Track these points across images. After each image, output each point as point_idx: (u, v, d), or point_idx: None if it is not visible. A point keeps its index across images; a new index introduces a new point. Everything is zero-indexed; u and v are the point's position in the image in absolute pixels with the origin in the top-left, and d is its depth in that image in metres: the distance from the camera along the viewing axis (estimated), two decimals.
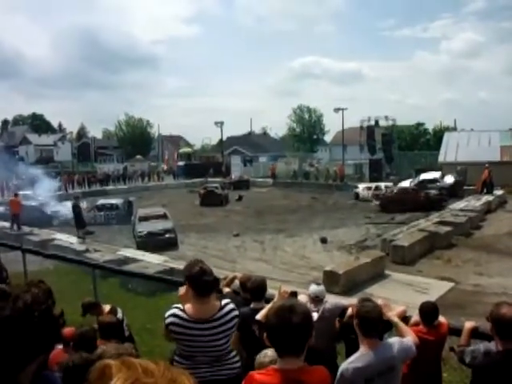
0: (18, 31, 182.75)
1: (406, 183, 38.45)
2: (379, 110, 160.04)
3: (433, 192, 33.08)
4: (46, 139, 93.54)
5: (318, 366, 2.96)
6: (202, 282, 3.83)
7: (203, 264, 3.97)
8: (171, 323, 3.89)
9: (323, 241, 22.48)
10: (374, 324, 3.80)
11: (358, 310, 3.96)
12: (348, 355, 5.13)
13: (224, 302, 4.06)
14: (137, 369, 1.07)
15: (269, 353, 3.39)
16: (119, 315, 6.35)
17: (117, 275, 12.58)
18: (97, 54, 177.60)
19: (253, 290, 5.29)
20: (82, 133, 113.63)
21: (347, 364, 3.70)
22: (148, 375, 1.06)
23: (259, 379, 2.82)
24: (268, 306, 4.26)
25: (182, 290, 4.13)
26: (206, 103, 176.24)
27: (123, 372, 1.06)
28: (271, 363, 3.05)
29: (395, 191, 33.59)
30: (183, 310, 3.91)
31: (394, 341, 3.99)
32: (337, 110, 53.41)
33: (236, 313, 4.02)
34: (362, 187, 38.99)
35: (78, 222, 23.08)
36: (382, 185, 37.82)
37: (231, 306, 4.05)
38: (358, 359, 3.69)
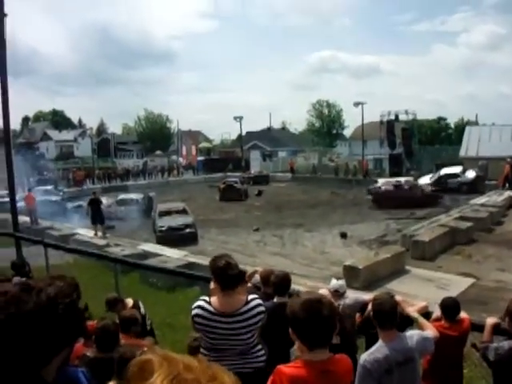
0: (36, 28, 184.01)
1: (426, 178, 38.17)
2: (398, 104, 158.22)
3: (428, 188, 32.96)
4: (67, 135, 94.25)
5: (341, 354, 2.97)
6: (226, 275, 3.85)
7: (229, 258, 3.99)
8: (196, 315, 3.93)
9: (343, 236, 22.43)
10: (388, 316, 3.83)
11: (373, 303, 4.00)
12: (368, 349, 5.13)
13: (251, 296, 4.07)
14: (178, 364, 1.07)
15: None
16: (142, 310, 6.41)
17: (137, 269, 12.69)
18: (114, 50, 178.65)
19: (277, 284, 5.26)
20: (101, 128, 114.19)
21: (367, 356, 3.73)
22: (189, 371, 1.05)
23: (289, 372, 2.82)
24: None
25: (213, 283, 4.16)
26: (224, 98, 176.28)
27: (164, 367, 1.05)
28: None
29: (389, 187, 33.29)
30: (209, 303, 3.95)
31: (413, 333, 4.03)
32: (356, 104, 53.04)
33: (262, 308, 4.02)
34: (381, 182, 38.74)
35: (97, 218, 23.12)
36: (403, 180, 37.52)
37: (257, 301, 4.05)
38: (377, 351, 3.73)
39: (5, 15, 13.71)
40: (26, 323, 1.54)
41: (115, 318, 5.32)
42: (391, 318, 3.84)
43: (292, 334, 2.80)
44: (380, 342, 3.80)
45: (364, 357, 3.75)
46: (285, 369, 2.87)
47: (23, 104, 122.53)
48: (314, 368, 2.73)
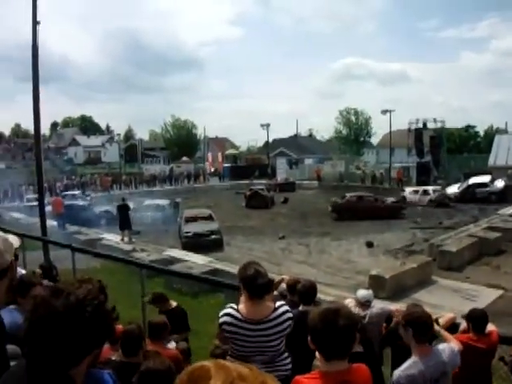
0: (66, 36, 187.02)
1: (454, 187, 37.80)
2: (426, 112, 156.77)
3: (390, 200, 32.81)
4: (95, 141, 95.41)
5: (360, 364, 2.92)
6: (255, 284, 3.83)
7: (258, 266, 3.98)
8: (224, 322, 3.90)
9: (369, 245, 22.28)
10: (428, 329, 3.75)
11: (410, 316, 3.89)
12: (394, 361, 5.06)
13: (278, 303, 4.05)
14: (232, 372, 1.08)
15: None
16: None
17: (162, 275, 12.72)
18: (143, 57, 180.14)
19: (303, 293, 5.26)
20: (129, 134, 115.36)
21: (401, 371, 3.65)
22: (242, 379, 1.07)
23: (306, 383, 2.79)
24: None
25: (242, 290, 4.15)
26: (251, 105, 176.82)
27: (220, 374, 1.07)
28: None
29: (349, 198, 32.88)
30: (237, 310, 3.92)
31: (443, 346, 3.93)
32: (384, 111, 52.76)
33: (290, 315, 4.00)
34: (409, 191, 38.42)
35: (125, 223, 23.34)
36: (430, 188, 37.19)
37: (285, 308, 4.03)
38: (411, 366, 3.65)
39: (38, 23, 13.94)
40: (56, 325, 1.57)
41: (140, 323, 5.35)
42: (427, 331, 3.78)
43: (311, 344, 2.77)
44: (414, 358, 3.71)
45: (398, 373, 3.67)
46: (302, 379, 2.84)
47: (52, 109, 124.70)
48: (331, 379, 2.70)
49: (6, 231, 3.68)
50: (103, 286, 1.77)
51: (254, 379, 1.08)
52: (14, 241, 2.61)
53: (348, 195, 33.82)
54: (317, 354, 2.86)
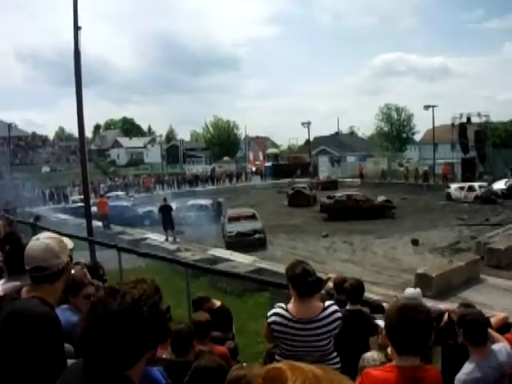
0: (104, 40, 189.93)
1: (500, 183, 36.99)
2: (469, 106, 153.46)
3: (381, 199, 32.25)
4: (137, 142, 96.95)
5: (430, 365, 2.89)
6: (304, 282, 3.80)
7: (306, 265, 3.95)
8: (273, 322, 3.88)
9: (414, 243, 21.98)
10: (484, 331, 3.66)
11: (464, 318, 3.79)
12: (444, 361, 4.96)
13: (327, 303, 4.02)
14: (308, 373, 1.06)
15: (375, 356, 3.31)
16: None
17: (206, 274, 12.80)
18: (179, 58, 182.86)
19: (350, 292, 5.22)
20: (170, 135, 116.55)
21: (464, 375, 3.60)
22: (318, 380, 1.04)
23: (377, 375, 2.77)
24: None
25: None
26: (290, 104, 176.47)
27: (297, 375, 1.04)
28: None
29: (338, 198, 32.33)
30: (286, 310, 3.90)
31: (499, 347, 3.83)
32: (427, 107, 51.88)
33: (339, 315, 3.96)
34: (454, 187, 37.72)
35: (168, 224, 23.61)
36: (476, 185, 36.44)
37: (334, 307, 4.00)
38: (475, 369, 3.59)
39: (79, 28, 14.16)
40: (112, 325, 1.58)
41: (188, 323, 5.38)
42: (486, 332, 3.70)
43: (385, 338, 2.76)
44: (475, 360, 3.66)
45: (462, 377, 3.61)
46: (373, 372, 2.84)
47: (94, 112, 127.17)
48: (404, 373, 2.66)
49: (60, 234, 3.74)
50: (158, 287, 1.77)
51: (329, 381, 1.05)
52: (69, 242, 2.65)
53: (337, 195, 33.66)
54: (389, 349, 2.83)
